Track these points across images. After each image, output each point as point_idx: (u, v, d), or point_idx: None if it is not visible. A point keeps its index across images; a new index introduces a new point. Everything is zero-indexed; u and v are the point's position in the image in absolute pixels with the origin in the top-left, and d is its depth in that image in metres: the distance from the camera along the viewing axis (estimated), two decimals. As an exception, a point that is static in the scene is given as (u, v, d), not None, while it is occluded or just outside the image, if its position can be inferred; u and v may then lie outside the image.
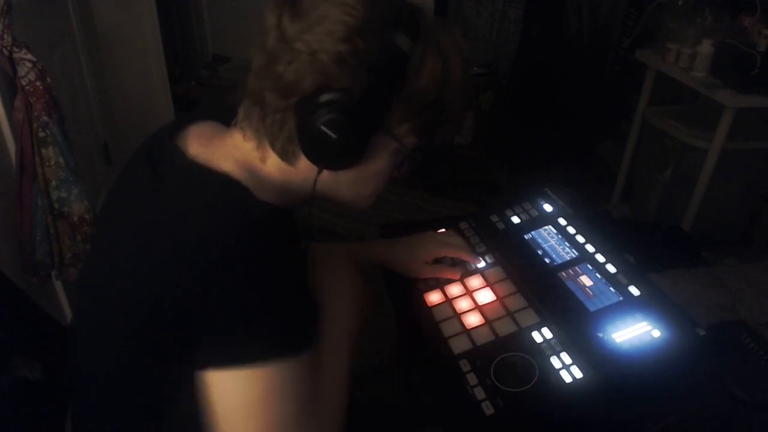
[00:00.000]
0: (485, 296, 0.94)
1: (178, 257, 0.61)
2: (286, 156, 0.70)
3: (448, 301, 0.95)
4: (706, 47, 2.03)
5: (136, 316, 0.65)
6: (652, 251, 1.50)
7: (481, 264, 1.01)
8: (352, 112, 0.64)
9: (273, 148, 0.70)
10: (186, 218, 0.63)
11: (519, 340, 0.84)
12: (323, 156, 0.68)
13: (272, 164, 0.71)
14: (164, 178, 0.69)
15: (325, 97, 0.63)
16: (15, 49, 1.26)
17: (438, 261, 1.02)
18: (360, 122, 0.65)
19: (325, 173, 0.70)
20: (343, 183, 0.73)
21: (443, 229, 1.10)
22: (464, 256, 1.02)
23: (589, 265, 0.94)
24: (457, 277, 0.99)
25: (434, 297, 0.96)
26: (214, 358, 0.62)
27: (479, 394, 0.77)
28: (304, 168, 0.70)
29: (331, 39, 0.62)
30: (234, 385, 0.62)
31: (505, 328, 0.87)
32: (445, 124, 0.74)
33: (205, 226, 0.62)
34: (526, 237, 1.04)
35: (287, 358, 0.63)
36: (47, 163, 1.36)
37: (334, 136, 0.64)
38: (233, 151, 0.71)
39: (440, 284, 0.98)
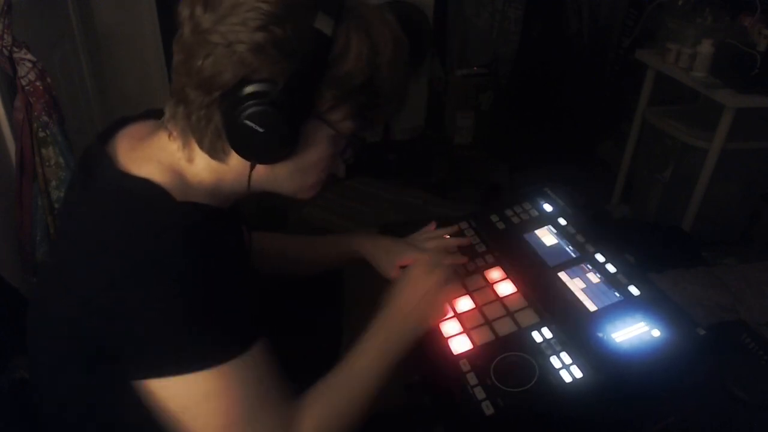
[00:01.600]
0: (485, 296, 0.94)
1: (98, 269, 0.60)
2: (215, 154, 0.67)
3: (448, 301, 0.94)
4: (706, 47, 2.03)
5: (62, 327, 0.65)
6: (652, 251, 1.50)
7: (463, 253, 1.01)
8: (278, 103, 0.61)
9: (201, 146, 0.67)
10: (104, 227, 0.62)
11: (519, 340, 0.84)
12: (253, 151, 0.65)
13: (201, 163, 0.68)
14: (90, 185, 0.68)
15: (247, 90, 0.60)
16: (15, 49, 1.26)
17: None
18: (287, 112, 0.62)
19: (260, 168, 0.67)
20: (282, 175, 0.70)
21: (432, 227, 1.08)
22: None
23: (589, 265, 0.94)
24: None
25: (434, 297, 0.96)
26: (148, 368, 0.61)
27: (479, 394, 0.77)
28: (236, 164, 0.68)
29: (246, 29, 0.59)
30: (177, 391, 0.61)
31: (505, 328, 0.87)
32: (382, 106, 0.70)
33: (121, 235, 0.60)
34: (526, 237, 1.04)
35: (228, 360, 0.61)
36: (47, 163, 1.36)
37: (260, 129, 0.61)
38: (158, 153, 0.68)
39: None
